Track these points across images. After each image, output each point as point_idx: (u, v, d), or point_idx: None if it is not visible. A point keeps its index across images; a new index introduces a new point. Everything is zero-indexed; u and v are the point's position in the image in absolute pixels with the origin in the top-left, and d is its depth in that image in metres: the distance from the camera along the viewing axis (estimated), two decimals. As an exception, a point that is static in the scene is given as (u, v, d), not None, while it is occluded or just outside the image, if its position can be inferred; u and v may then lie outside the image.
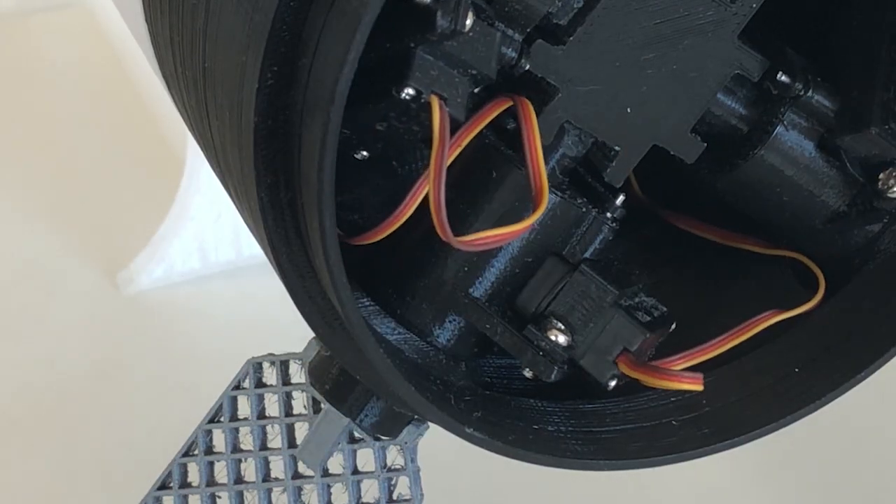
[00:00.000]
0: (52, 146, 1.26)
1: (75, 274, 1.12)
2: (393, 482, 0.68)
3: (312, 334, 0.55)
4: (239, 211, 0.59)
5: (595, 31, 0.51)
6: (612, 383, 0.54)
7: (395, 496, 0.68)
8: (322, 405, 0.63)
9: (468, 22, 0.48)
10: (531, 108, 0.52)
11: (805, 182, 0.56)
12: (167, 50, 0.63)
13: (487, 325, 0.55)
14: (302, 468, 0.69)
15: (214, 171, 0.62)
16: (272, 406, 0.68)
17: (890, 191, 0.55)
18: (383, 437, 0.65)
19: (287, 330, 0.66)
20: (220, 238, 1.11)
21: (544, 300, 0.55)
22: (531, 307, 0.55)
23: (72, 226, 1.16)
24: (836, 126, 0.55)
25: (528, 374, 0.55)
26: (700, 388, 0.55)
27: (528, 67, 0.52)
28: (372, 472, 0.67)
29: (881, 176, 0.55)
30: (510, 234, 0.52)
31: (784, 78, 0.55)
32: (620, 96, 0.53)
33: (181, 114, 0.66)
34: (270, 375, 0.68)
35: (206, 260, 1.11)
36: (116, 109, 1.29)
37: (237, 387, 0.68)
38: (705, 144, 0.55)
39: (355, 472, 0.68)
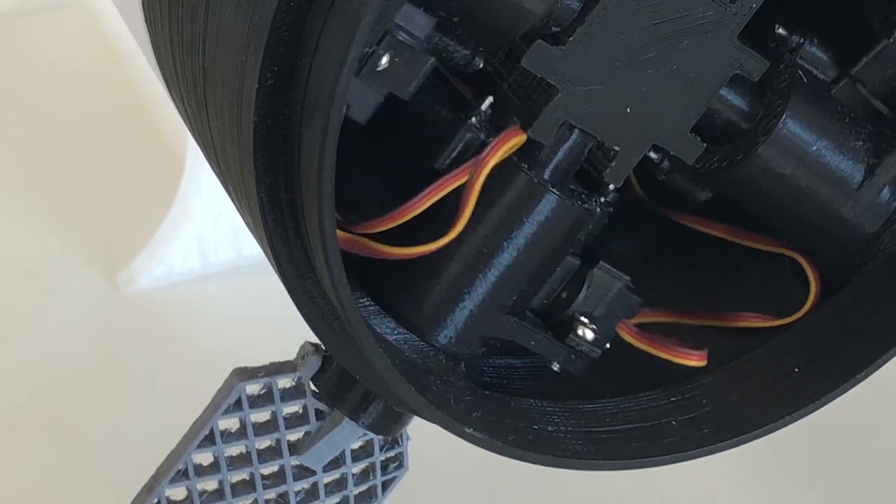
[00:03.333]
0: (51, 146, 1.25)
1: (75, 274, 1.11)
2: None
3: (312, 334, 0.55)
4: (239, 211, 0.59)
5: (595, 31, 0.51)
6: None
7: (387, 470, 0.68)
8: (331, 414, 0.63)
9: None
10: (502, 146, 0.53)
11: (804, 180, 0.56)
12: (167, 50, 0.63)
13: (520, 336, 0.57)
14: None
15: (214, 171, 0.62)
16: (262, 425, 0.67)
17: None
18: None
19: (287, 330, 0.66)
20: (220, 238, 1.11)
21: (567, 300, 0.57)
22: (558, 310, 0.57)
23: (72, 226, 1.16)
24: (846, 61, 0.56)
25: (556, 367, 0.58)
26: (703, 363, 0.58)
27: (481, 66, 0.52)
28: (371, 456, 0.67)
29: None
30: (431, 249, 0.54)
31: (781, 30, 0.55)
32: (620, 96, 0.53)
33: (181, 114, 0.66)
34: (261, 397, 0.66)
35: (206, 260, 1.11)
36: (116, 109, 1.29)
37: (227, 411, 0.65)
38: (705, 144, 0.55)
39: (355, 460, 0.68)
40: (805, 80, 0.55)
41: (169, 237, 1.10)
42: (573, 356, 0.57)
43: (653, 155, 0.56)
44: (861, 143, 0.56)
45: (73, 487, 0.94)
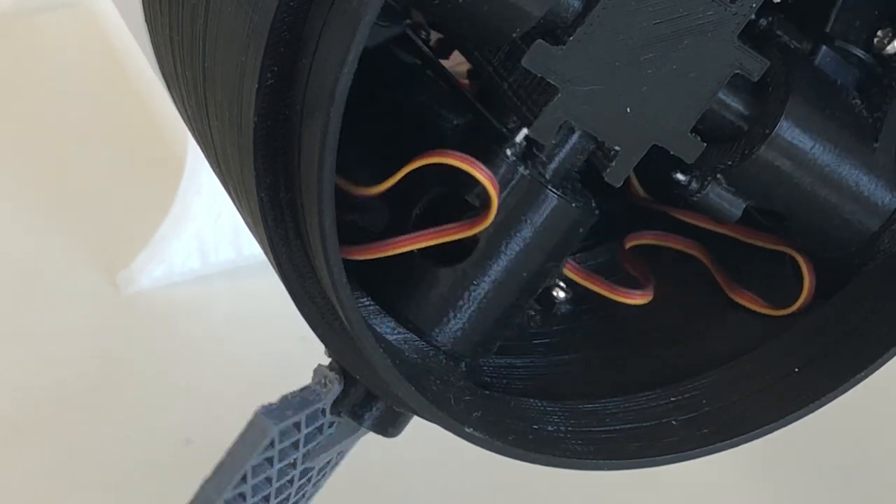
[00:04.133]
0: (51, 146, 1.25)
1: (75, 274, 1.12)
2: None
3: (313, 335, 0.55)
4: (239, 211, 0.59)
5: (595, 31, 0.51)
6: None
7: None
8: (340, 422, 0.63)
9: None
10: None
11: (805, 179, 0.56)
12: (167, 50, 0.63)
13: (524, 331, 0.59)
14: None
15: (214, 171, 0.62)
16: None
17: (889, 46, 0.56)
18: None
19: (287, 330, 0.66)
20: (220, 238, 1.11)
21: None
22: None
23: (72, 226, 1.16)
24: (816, 27, 0.56)
25: (533, 326, 0.60)
26: (647, 300, 0.59)
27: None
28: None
29: (875, 41, 0.56)
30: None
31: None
32: (620, 96, 0.53)
33: (181, 114, 0.66)
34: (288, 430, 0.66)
35: (206, 260, 1.11)
36: (116, 109, 1.29)
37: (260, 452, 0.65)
38: (705, 144, 0.55)
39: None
40: (802, 69, 0.56)
41: (169, 237, 1.10)
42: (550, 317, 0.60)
43: (680, 177, 0.56)
44: (859, 127, 0.56)
45: (73, 488, 0.94)
